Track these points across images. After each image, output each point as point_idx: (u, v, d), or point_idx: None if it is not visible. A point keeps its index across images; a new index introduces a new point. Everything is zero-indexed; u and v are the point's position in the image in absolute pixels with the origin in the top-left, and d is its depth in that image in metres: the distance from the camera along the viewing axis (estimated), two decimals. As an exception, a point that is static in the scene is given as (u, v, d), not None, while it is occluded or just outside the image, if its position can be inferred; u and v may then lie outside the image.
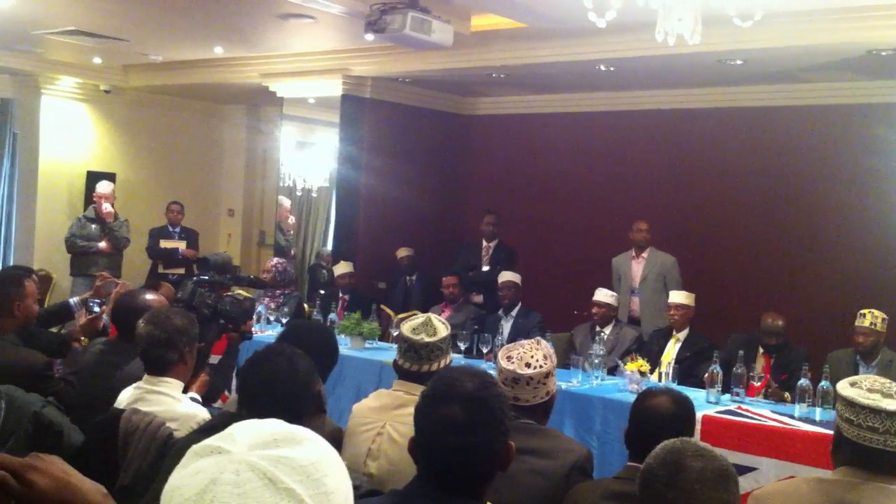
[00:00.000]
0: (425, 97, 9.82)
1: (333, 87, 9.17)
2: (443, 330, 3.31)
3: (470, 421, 1.86)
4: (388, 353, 6.18)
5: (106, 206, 9.16)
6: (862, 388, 2.35)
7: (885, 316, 5.79)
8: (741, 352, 5.49)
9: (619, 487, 2.61)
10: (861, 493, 2.28)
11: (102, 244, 9.12)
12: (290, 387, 2.50)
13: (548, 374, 3.01)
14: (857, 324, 5.79)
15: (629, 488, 2.53)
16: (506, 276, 7.53)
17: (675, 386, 5.33)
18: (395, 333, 7.01)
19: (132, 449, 3.00)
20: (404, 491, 1.93)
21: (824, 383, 4.94)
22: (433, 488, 1.86)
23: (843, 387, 2.38)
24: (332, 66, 8.99)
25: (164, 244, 9.43)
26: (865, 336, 5.72)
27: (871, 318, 5.75)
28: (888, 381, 2.39)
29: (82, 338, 4.59)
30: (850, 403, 2.32)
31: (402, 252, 9.21)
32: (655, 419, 2.70)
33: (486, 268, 8.60)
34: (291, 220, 10.93)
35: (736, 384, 5.31)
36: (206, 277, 4.22)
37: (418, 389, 3.16)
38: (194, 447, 1.04)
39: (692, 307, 6.51)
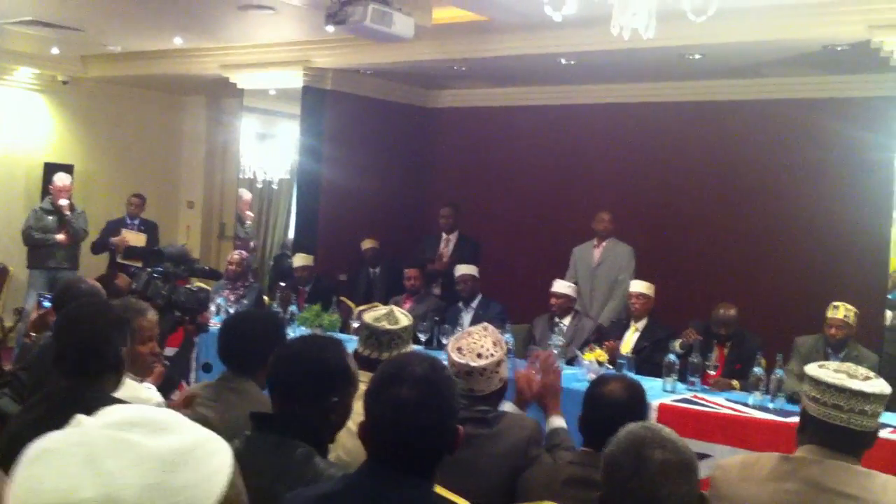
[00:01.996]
0: (387, 89, 9.80)
1: (294, 79, 9.13)
2: (404, 320, 3.34)
3: (420, 402, 1.87)
4: (348, 345, 6.17)
5: (62, 200, 9.04)
6: (829, 368, 2.41)
7: (857, 311, 5.82)
8: (697, 340, 5.56)
9: (580, 473, 2.64)
10: (824, 470, 2.32)
11: (60, 236, 9.01)
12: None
13: (499, 363, 3.04)
14: (829, 315, 5.80)
15: (588, 473, 2.56)
16: (461, 269, 7.56)
17: (631, 375, 5.40)
18: (355, 325, 7.02)
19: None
20: (354, 475, 1.94)
21: (778, 371, 5.02)
22: (383, 469, 1.87)
23: (811, 368, 2.44)
24: (292, 58, 8.95)
25: (127, 235, 9.29)
26: (838, 328, 5.73)
27: (844, 310, 5.76)
28: (854, 365, 2.46)
29: (32, 334, 4.54)
30: (817, 382, 2.37)
31: (367, 244, 9.19)
32: (608, 405, 2.73)
33: (446, 257, 8.61)
34: (250, 212, 10.87)
35: (692, 373, 5.38)
36: (161, 269, 4.20)
37: (373, 380, 3.21)
38: (74, 418, 1.02)
39: (652, 297, 6.59)
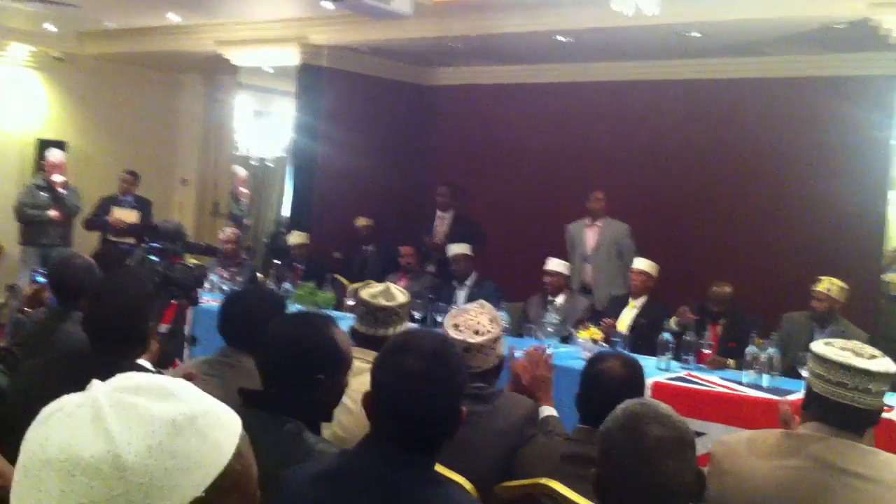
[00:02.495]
0: (384, 67, 9.75)
1: (290, 56, 9.07)
2: (401, 297, 3.32)
3: (429, 373, 1.86)
4: (342, 323, 6.14)
5: (56, 177, 8.98)
6: (835, 346, 2.41)
7: (843, 285, 5.86)
8: (691, 321, 5.56)
9: (578, 449, 2.64)
10: (827, 446, 2.32)
11: (53, 213, 8.96)
12: None
13: (496, 339, 3.03)
14: (812, 288, 5.88)
15: (586, 450, 2.56)
16: (454, 248, 7.55)
17: (626, 353, 5.40)
18: (349, 303, 7.01)
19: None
20: (354, 451, 1.93)
21: (772, 350, 5.02)
22: (385, 445, 1.86)
23: (817, 345, 2.42)
24: (289, 35, 8.89)
25: (117, 213, 9.24)
26: (820, 301, 5.81)
27: (827, 283, 5.85)
28: (861, 343, 2.45)
29: (26, 309, 4.52)
30: (822, 360, 2.37)
31: (362, 222, 9.17)
32: (605, 382, 2.73)
33: (437, 240, 8.59)
34: (244, 189, 10.83)
35: (686, 352, 5.38)
36: (157, 245, 4.18)
37: (373, 356, 3.18)
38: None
39: (653, 276, 6.58)
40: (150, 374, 1.06)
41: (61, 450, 0.94)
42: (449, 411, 1.90)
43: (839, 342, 2.44)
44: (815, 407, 2.41)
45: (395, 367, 1.89)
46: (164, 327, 3.98)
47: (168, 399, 1.00)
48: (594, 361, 2.88)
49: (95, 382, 1.02)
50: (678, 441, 1.92)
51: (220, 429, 1.04)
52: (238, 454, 1.04)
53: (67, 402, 0.99)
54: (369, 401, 1.92)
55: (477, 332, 2.98)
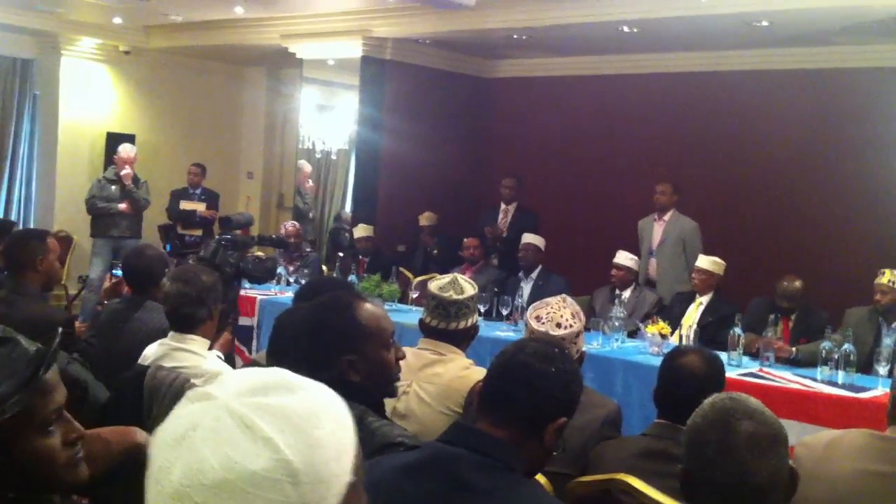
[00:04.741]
0: (446, 59, 9.74)
1: (354, 49, 9.11)
2: (470, 289, 3.31)
3: (545, 352, 2.01)
4: (407, 315, 6.19)
5: (126, 170, 9.15)
6: None
7: None
8: (772, 316, 5.45)
9: (655, 445, 2.61)
10: None
11: (122, 205, 9.13)
12: (313, 342, 2.29)
13: (578, 334, 3.01)
14: (875, 281, 5.74)
15: (664, 446, 2.53)
16: (528, 237, 7.50)
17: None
18: (413, 295, 7.04)
19: (157, 405, 3.01)
20: (446, 438, 1.94)
21: (847, 346, 4.91)
22: (480, 437, 1.90)
23: None
24: (352, 28, 8.93)
25: (185, 205, 9.44)
26: (883, 294, 5.66)
27: (889, 275, 5.70)
28: None
29: (105, 301, 4.62)
30: None
31: (425, 220, 9.17)
32: (685, 377, 2.69)
33: (503, 233, 8.56)
34: (310, 183, 10.93)
35: (765, 349, 5.26)
36: (230, 237, 4.23)
37: (445, 349, 3.21)
38: (188, 393, 1.01)
39: (716, 274, 6.42)
40: (254, 373, 1.04)
41: (228, 469, 0.90)
42: (561, 389, 1.96)
43: None
44: None
45: (513, 350, 1.99)
46: (246, 320, 4.03)
47: (297, 391, 0.99)
48: (673, 356, 2.85)
49: (208, 391, 0.98)
50: (771, 437, 1.87)
51: (339, 406, 1.03)
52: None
53: (200, 418, 0.94)
54: (482, 385, 1.97)
55: (559, 325, 2.96)
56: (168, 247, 4.53)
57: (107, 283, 4.70)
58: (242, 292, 5.32)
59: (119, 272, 4.59)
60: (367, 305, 2.35)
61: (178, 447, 0.93)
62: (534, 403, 1.92)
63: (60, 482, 1.46)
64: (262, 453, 0.91)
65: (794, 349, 5.39)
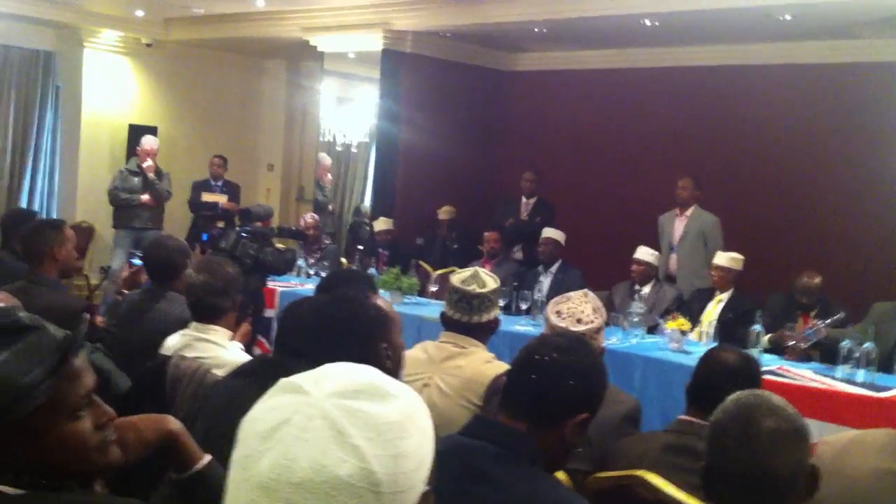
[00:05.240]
0: (466, 52, 9.73)
1: (374, 42, 9.12)
2: (491, 283, 3.31)
3: (569, 345, 2.04)
4: (426, 308, 6.20)
5: (148, 162, 9.21)
6: None
7: None
8: (791, 345, 5.43)
9: (676, 441, 2.60)
10: None
11: (144, 197, 9.19)
12: (345, 336, 2.26)
13: (598, 330, 3.01)
14: None
15: (687, 441, 2.52)
16: (547, 232, 7.50)
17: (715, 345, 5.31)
18: (433, 289, 7.04)
19: (180, 394, 3.04)
20: (467, 431, 1.94)
21: (868, 344, 4.87)
22: (499, 431, 1.91)
23: None
24: (372, 20, 8.93)
25: (206, 197, 9.49)
26: None
27: None
28: None
29: (124, 291, 4.64)
30: None
31: (444, 214, 9.17)
32: (722, 373, 2.68)
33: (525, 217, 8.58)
34: (329, 175, 10.95)
35: (797, 339, 5.24)
36: (250, 228, 4.25)
37: (466, 342, 3.21)
38: (282, 381, 1.03)
39: (734, 270, 6.38)
40: (349, 372, 1.05)
41: (315, 471, 0.93)
42: (582, 384, 1.96)
43: None
44: None
45: (536, 344, 2.00)
46: (270, 312, 4.04)
47: (387, 399, 1.00)
48: (712, 351, 2.87)
49: (306, 386, 1.00)
50: (793, 434, 1.87)
51: (425, 415, 1.05)
52: None
53: (293, 414, 0.97)
54: (506, 377, 1.97)
55: (579, 321, 2.95)
56: (205, 236, 4.55)
57: (125, 273, 4.71)
58: (261, 284, 5.36)
59: (137, 261, 4.61)
60: (377, 296, 2.38)
61: (269, 439, 0.96)
62: (554, 397, 1.92)
63: (94, 465, 1.48)
64: (349, 460, 0.94)
65: (825, 329, 5.35)
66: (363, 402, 0.98)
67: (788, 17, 7.03)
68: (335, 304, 2.31)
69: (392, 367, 2.27)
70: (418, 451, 1.00)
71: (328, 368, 1.05)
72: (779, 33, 7.73)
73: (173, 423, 1.79)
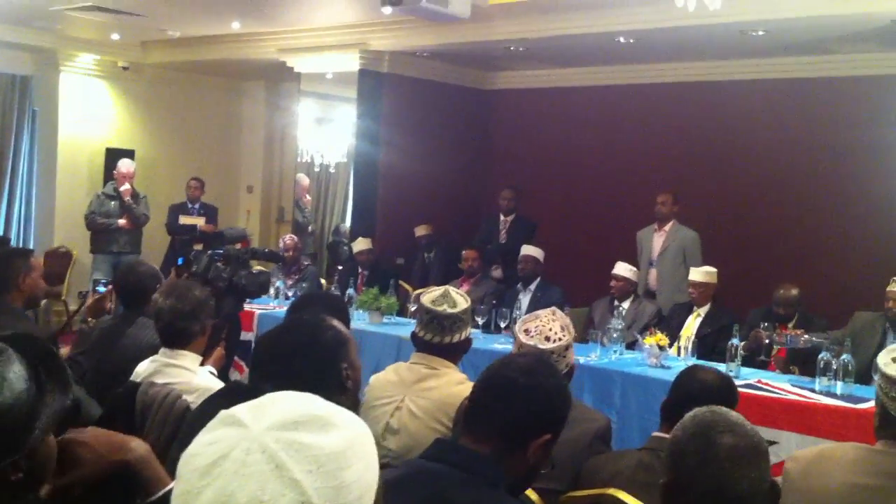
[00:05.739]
0: (444, 71, 9.75)
1: (351, 62, 9.12)
2: (462, 302, 3.29)
3: (532, 367, 2.03)
4: (406, 328, 6.17)
5: (125, 185, 9.17)
6: None
7: None
8: (765, 324, 5.44)
9: (651, 458, 2.60)
10: None
11: (122, 221, 9.14)
12: (308, 360, 2.23)
13: (567, 347, 2.99)
14: (887, 289, 5.67)
15: (658, 459, 2.51)
16: (526, 249, 7.49)
17: (693, 360, 5.31)
18: (412, 308, 7.01)
19: (150, 421, 3.00)
20: (429, 454, 1.91)
21: (845, 356, 4.88)
22: (464, 455, 1.89)
23: (886, 365, 2.27)
24: (349, 41, 8.94)
25: (183, 220, 9.45)
26: (894, 302, 5.61)
27: None
28: None
29: (89, 319, 4.60)
30: (892, 381, 2.23)
31: (421, 230, 9.19)
32: (699, 391, 2.68)
33: (503, 240, 8.57)
34: (308, 196, 10.93)
35: (778, 339, 5.27)
36: (222, 251, 4.22)
37: (438, 363, 3.19)
38: (222, 413, 1.02)
39: (712, 284, 6.42)
40: (291, 402, 1.04)
41: None
42: (544, 405, 1.95)
43: None
44: (891, 428, 2.27)
45: (498, 365, 2.00)
46: (245, 335, 4.01)
47: (328, 429, 0.99)
48: (690, 370, 2.89)
49: (245, 419, 0.99)
50: (751, 450, 1.86)
51: (368, 443, 1.04)
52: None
53: (232, 449, 0.96)
54: (468, 400, 1.97)
55: (548, 339, 2.94)
56: (181, 259, 4.51)
57: (90, 300, 4.68)
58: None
59: (101, 288, 4.57)
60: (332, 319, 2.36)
61: (207, 475, 0.95)
62: (516, 418, 1.90)
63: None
64: (288, 494, 0.93)
65: (805, 334, 5.36)
66: (303, 434, 0.97)
67: (762, 33, 7.08)
68: (294, 330, 2.30)
69: (353, 386, 2.25)
70: (361, 480, 0.99)
71: (269, 399, 1.04)
72: (753, 49, 7.79)
73: (132, 452, 1.76)
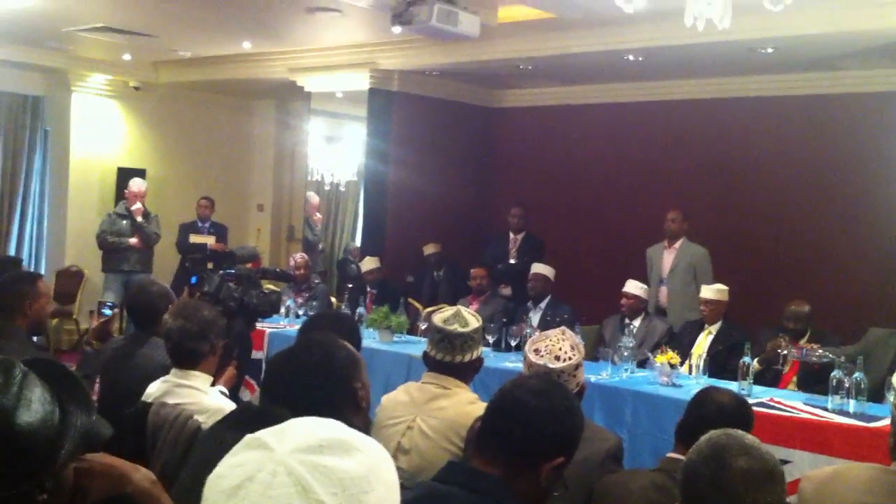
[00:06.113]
0: (453, 90, 9.78)
1: (361, 81, 9.17)
2: (474, 321, 3.29)
3: (543, 388, 2.04)
4: (416, 347, 6.16)
5: (136, 205, 9.22)
6: None
7: None
8: (781, 335, 5.41)
9: (665, 479, 2.58)
10: None
11: (133, 240, 9.18)
12: (321, 381, 2.22)
13: (577, 366, 2.98)
14: None
15: (674, 480, 2.50)
16: (537, 267, 7.48)
17: (705, 378, 5.29)
18: (423, 327, 7.01)
19: (161, 442, 3.00)
20: (441, 476, 1.91)
21: (858, 374, 4.85)
22: (474, 477, 1.88)
23: None
24: (359, 60, 8.99)
25: (194, 239, 9.48)
26: None
27: None
28: None
29: (93, 342, 4.60)
30: None
31: (430, 249, 9.20)
32: (714, 413, 2.66)
33: (513, 260, 8.57)
34: (318, 214, 10.96)
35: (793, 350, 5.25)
36: (233, 271, 4.23)
37: (450, 382, 3.19)
38: (247, 437, 1.03)
39: (723, 301, 6.39)
40: (315, 427, 1.05)
41: None
42: (557, 427, 1.95)
43: None
44: None
45: (510, 387, 2.00)
46: (258, 354, 4.01)
47: (352, 453, 1.00)
48: (706, 390, 2.87)
49: (270, 442, 1.00)
50: (766, 474, 1.85)
51: (390, 467, 1.05)
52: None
53: (258, 471, 0.97)
54: (480, 421, 1.96)
55: (557, 358, 2.93)
56: (194, 279, 4.52)
57: (93, 323, 4.67)
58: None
59: (107, 311, 4.56)
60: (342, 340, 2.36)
61: (233, 497, 0.96)
62: (528, 440, 1.90)
63: None
64: None
65: (820, 348, 5.34)
66: (327, 457, 0.98)
67: (770, 51, 7.09)
68: (306, 351, 2.29)
69: (366, 406, 2.26)
70: (384, 501, 1.00)
71: (293, 423, 1.05)
72: (761, 66, 7.79)
73: (133, 486, 1.75)
